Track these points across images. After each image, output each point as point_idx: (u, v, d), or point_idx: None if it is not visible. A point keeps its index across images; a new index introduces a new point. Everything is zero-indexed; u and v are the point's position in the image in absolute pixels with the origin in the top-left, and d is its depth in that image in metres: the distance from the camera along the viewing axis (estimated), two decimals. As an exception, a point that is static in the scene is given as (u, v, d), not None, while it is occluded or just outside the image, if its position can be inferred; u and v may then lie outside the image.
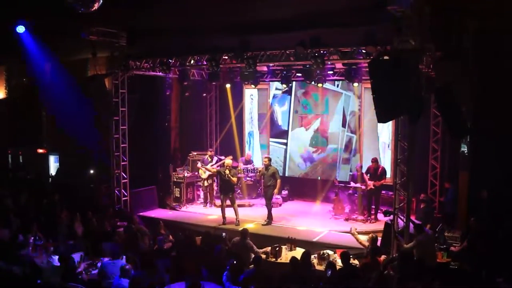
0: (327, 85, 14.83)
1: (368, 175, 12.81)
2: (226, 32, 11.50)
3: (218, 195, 14.75)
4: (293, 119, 15.77)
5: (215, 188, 14.81)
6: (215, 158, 14.51)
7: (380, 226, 11.23)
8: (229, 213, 12.59)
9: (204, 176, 14.30)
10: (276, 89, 15.88)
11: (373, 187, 12.56)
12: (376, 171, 12.72)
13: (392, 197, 11.00)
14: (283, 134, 16.00)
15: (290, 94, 15.72)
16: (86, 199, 13.36)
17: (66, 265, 7.95)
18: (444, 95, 8.69)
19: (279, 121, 16.09)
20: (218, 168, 13.78)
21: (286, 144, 15.99)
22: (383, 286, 7.63)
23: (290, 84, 15.24)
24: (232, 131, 16.57)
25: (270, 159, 12.93)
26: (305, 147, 15.59)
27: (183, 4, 10.06)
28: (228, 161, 12.85)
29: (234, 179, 12.48)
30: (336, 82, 14.81)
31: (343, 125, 14.91)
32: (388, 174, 13.24)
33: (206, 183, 14.44)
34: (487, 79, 10.64)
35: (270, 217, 12.53)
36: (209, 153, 14.67)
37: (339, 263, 9.18)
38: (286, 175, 15.74)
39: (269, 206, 12.65)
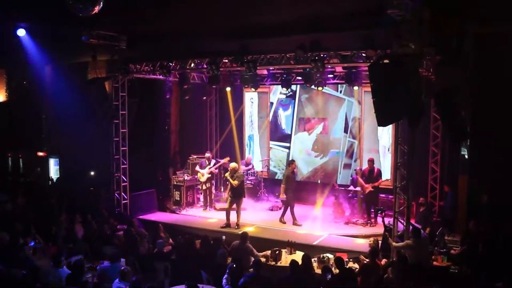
0: (330, 91, 14.95)
1: (364, 178, 12.83)
2: (226, 36, 11.51)
3: (218, 198, 14.77)
4: (297, 123, 15.81)
5: (214, 191, 14.81)
6: (213, 161, 14.52)
7: (380, 229, 11.22)
8: (232, 216, 12.59)
9: (203, 179, 14.30)
10: (281, 93, 15.91)
11: (372, 189, 12.57)
12: (371, 173, 12.74)
13: (392, 201, 11.02)
14: (287, 138, 16.04)
15: (294, 99, 15.78)
16: (86, 202, 13.34)
17: (74, 270, 7.95)
18: (443, 99, 8.69)
19: (282, 125, 16.12)
20: (214, 171, 14.14)
21: (289, 148, 16.01)
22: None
23: (294, 89, 15.43)
24: (232, 135, 16.60)
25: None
26: (307, 151, 15.62)
27: (183, 8, 10.06)
28: (232, 164, 12.87)
29: (235, 182, 12.46)
30: (339, 88, 14.88)
31: (345, 131, 14.97)
32: (388, 177, 13.24)
33: (204, 186, 14.45)
34: (487, 83, 10.65)
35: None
36: (206, 155, 14.67)
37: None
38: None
39: None
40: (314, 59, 10.75)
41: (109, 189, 13.94)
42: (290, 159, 13.95)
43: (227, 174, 12.63)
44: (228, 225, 12.49)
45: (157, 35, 12.14)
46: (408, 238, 9.27)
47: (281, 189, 12.85)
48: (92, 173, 15.81)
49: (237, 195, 12.55)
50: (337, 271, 8.53)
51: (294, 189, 12.97)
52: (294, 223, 12.69)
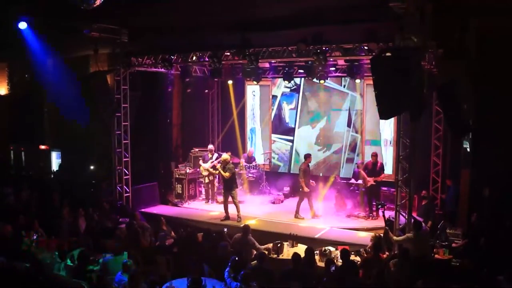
0: (334, 85, 14.96)
1: (366, 171, 12.83)
2: (228, 29, 11.48)
3: (220, 192, 14.80)
4: (300, 117, 15.81)
5: (216, 184, 14.82)
6: (215, 155, 14.54)
7: (382, 222, 11.22)
8: (232, 209, 12.60)
9: (205, 173, 14.32)
10: (285, 87, 15.89)
11: (374, 183, 12.57)
12: (374, 166, 12.74)
13: (393, 194, 11.02)
14: (290, 131, 16.06)
15: (298, 92, 15.76)
16: (88, 196, 13.37)
17: (79, 262, 7.98)
18: (446, 93, 8.68)
19: (286, 119, 16.12)
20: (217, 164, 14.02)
21: (292, 141, 16.04)
22: (383, 282, 7.65)
23: (298, 83, 15.40)
24: (234, 128, 16.59)
25: None
26: (310, 145, 15.63)
27: (184, 1, 10.04)
28: (224, 156, 12.85)
29: (226, 174, 12.39)
30: (343, 83, 14.87)
31: (348, 125, 15.00)
32: (390, 171, 13.24)
33: (207, 180, 14.47)
34: (489, 77, 10.61)
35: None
36: (209, 147, 14.68)
37: (340, 260, 9.20)
38: (291, 172, 15.87)
39: None
40: (316, 52, 10.74)
41: (110, 182, 13.97)
42: (306, 153, 13.77)
43: (218, 166, 12.63)
44: (227, 217, 12.51)
45: (158, 28, 12.11)
46: (410, 232, 9.28)
47: (301, 183, 12.62)
48: (94, 166, 15.83)
49: (228, 187, 12.50)
50: (339, 263, 8.57)
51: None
52: (296, 216, 12.68)
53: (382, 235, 9.80)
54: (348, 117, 14.97)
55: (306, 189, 12.58)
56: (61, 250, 8.56)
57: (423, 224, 9.70)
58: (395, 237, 9.35)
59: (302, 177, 12.65)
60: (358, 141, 14.89)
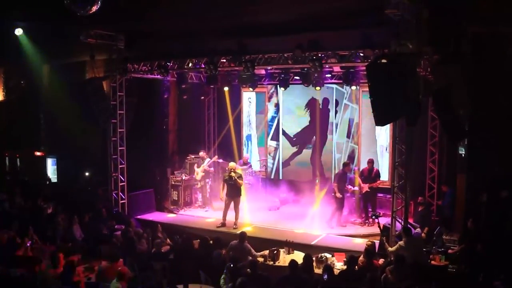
0: (335, 95, 15.02)
1: (362, 177, 12.83)
2: (224, 35, 11.52)
3: (216, 198, 14.76)
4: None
5: (208, 190, 14.74)
6: (207, 160, 14.56)
7: (378, 229, 11.21)
8: (229, 216, 12.57)
9: (198, 178, 14.37)
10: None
11: (368, 190, 12.57)
12: (370, 173, 12.74)
13: (390, 200, 11.02)
14: (291, 139, 16.08)
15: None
16: (84, 202, 13.31)
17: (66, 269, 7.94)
18: (441, 98, 8.71)
19: (288, 125, 16.13)
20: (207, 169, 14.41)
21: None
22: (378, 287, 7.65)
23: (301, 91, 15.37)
24: (230, 134, 16.55)
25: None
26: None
27: (181, 7, 10.06)
28: (232, 164, 12.82)
29: (241, 181, 12.42)
30: (345, 95, 14.92)
31: (348, 136, 15.03)
32: (386, 177, 13.24)
33: (199, 185, 14.59)
34: (485, 82, 10.66)
35: None
36: (200, 154, 14.73)
37: (336, 266, 9.19)
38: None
39: None
40: (312, 59, 10.76)
41: (107, 189, 13.92)
42: (345, 161, 13.71)
43: (233, 174, 12.31)
44: (223, 224, 12.47)
45: (155, 34, 12.15)
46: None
47: (334, 188, 12.52)
48: (90, 173, 15.77)
49: (234, 194, 12.47)
50: (336, 270, 8.55)
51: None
52: (329, 224, 12.48)
53: (375, 241, 9.80)
54: (348, 128, 15.01)
55: (338, 195, 12.41)
56: (56, 257, 8.50)
57: (413, 229, 9.70)
58: (389, 248, 9.33)
59: (336, 182, 12.55)
60: (356, 152, 14.90)
